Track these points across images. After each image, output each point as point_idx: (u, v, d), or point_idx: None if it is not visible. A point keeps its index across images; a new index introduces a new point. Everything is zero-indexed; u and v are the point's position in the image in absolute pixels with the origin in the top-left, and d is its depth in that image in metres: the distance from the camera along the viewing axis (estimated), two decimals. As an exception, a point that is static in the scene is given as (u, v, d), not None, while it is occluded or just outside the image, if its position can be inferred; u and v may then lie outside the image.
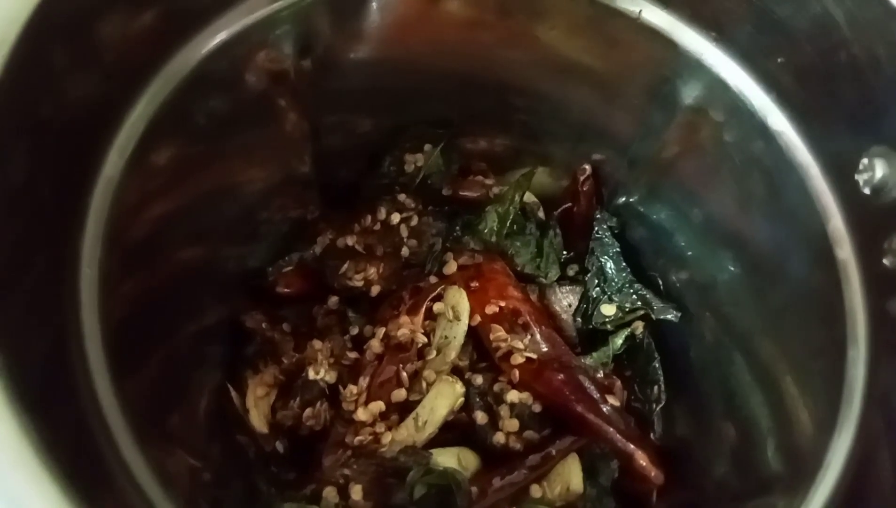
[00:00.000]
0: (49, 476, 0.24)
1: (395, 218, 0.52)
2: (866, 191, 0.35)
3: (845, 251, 0.36)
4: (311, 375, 0.46)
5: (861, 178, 0.35)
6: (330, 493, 0.42)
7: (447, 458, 0.43)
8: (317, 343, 0.47)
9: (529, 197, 0.55)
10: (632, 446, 0.41)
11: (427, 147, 0.54)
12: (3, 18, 0.27)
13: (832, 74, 0.36)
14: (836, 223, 0.37)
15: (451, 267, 0.50)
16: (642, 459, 0.41)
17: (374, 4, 0.44)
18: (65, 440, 0.27)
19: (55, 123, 0.30)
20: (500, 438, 0.44)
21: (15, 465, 0.24)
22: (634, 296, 0.51)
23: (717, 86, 0.42)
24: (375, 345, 0.46)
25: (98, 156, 0.33)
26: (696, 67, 0.42)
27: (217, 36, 0.38)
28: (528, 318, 0.47)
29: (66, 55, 0.30)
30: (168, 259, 0.42)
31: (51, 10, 0.28)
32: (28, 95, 0.28)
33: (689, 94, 0.44)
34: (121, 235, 0.35)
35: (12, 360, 0.26)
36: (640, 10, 0.42)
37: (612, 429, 0.41)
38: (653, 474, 0.41)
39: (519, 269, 0.52)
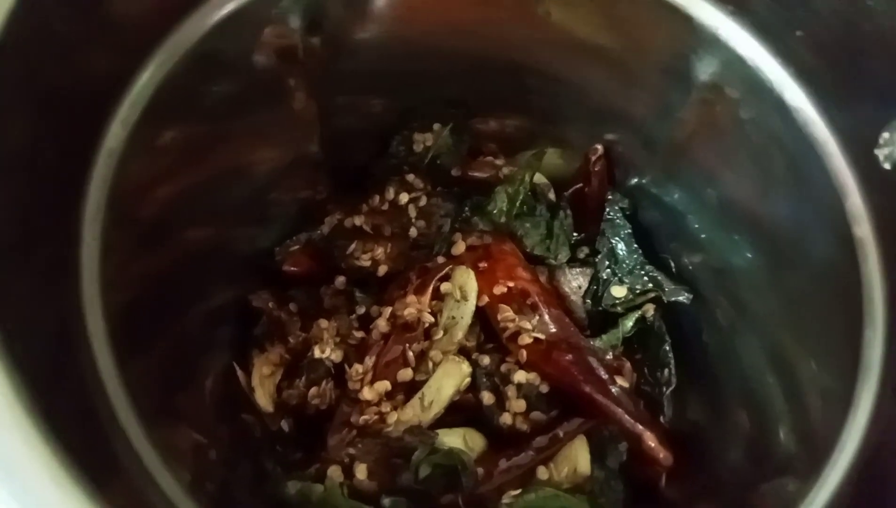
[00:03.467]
0: (54, 457, 0.24)
1: (404, 198, 0.51)
2: (886, 166, 0.33)
3: (863, 229, 0.35)
4: (317, 354, 0.46)
5: (881, 153, 0.34)
6: (335, 472, 0.42)
7: (453, 439, 0.43)
8: (323, 322, 0.47)
9: (540, 178, 0.54)
10: (640, 427, 0.40)
11: (436, 127, 0.53)
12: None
13: (853, 47, 0.35)
14: (855, 200, 0.35)
15: (460, 247, 0.50)
16: (651, 440, 0.40)
17: (384, -21, 0.43)
18: (68, 420, 0.26)
19: (58, 89, 0.30)
20: (506, 419, 0.43)
21: (19, 444, 0.24)
22: (646, 278, 0.50)
23: (734, 61, 0.40)
24: (382, 324, 0.46)
25: (101, 126, 0.33)
26: (712, 41, 0.41)
27: (223, 8, 0.38)
28: (536, 299, 0.46)
29: (70, 21, 0.30)
30: (176, 238, 0.42)
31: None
32: (31, 60, 0.28)
33: (705, 70, 0.43)
34: (126, 210, 0.35)
35: (15, 336, 0.26)
36: (655, -16, 0.41)
37: (620, 410, 0.41)
38: (661, 455, 0.40)
39: (528, 250, 0.51)
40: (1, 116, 0.26)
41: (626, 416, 0.41)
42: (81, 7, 0.30)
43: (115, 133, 0.34)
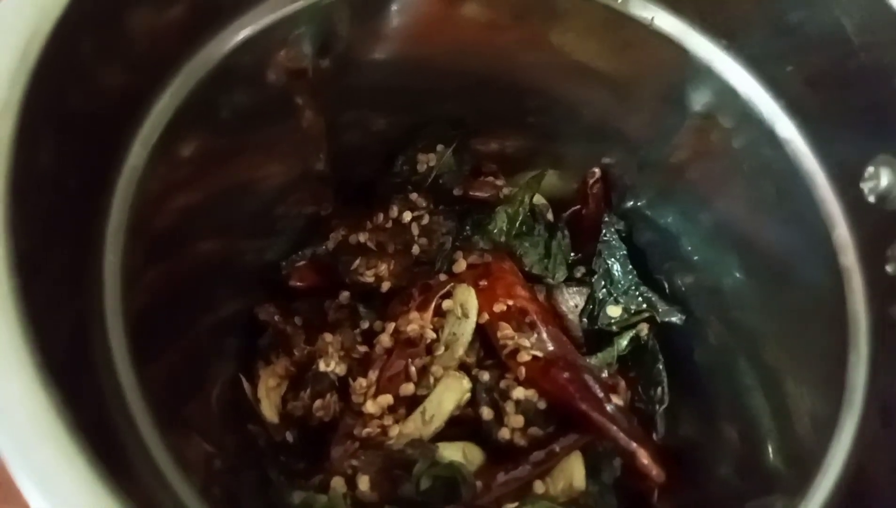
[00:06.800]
0: (77, 451, 0.25)
1: (407, 216, 0.53)
2: (871, 199, 0.35)
3: (849, 258, 0.37)
4: (322, 367, 0.47)
5: (866, 186, 0.35)
6: (338, 483, 0.43)
7: (453, 452, 0.44)
8: (328, 336, 0.48)
9: (539, 199, 0.56)
10: (634, 444, 0.42)
11: (440, 147, 0.54)
12: (38, 10, 0.28)
13: (841, 83, 0.37)
14: (841, 231, 0.37)
15: (461, 265, 0.51)
16: (644, 457, 0.41)
17: (394, 5, 0.44)
18: (88, 420, 0.27)
19: (82, 113, 0.31)
20: (505, 433, 0.45)
21: (45, 439, 0.25)
22: (640, 298, 0.51)
23: (727, 92, 0.42)
24: (385, 339, 0.47)
25: (123, 146, 0.34)
26: (705, 73, 0.43)
27: (241, 33, 0.39)
28: (535, 317, 0.48)
29: (96, 47, 0.31)
30: (188, 251, 0.43)
31: (83, 2, 0.29)
32: (58, 85, 0.29)
33: (699, 100, 0.44)
34: (144, 224, 0.36)
35: (40, 339, 0.27)
36: (653, 17, 0.43)
37: (615, 427, 0.42)
38: (654, 472, 0.41)
39: (527, 269, 0.53)
40: (30, 140, 0.27)
41: (621, 433, 0.42)
42: (108, 32, 0.32)
43: (137, 152, 0.35)
